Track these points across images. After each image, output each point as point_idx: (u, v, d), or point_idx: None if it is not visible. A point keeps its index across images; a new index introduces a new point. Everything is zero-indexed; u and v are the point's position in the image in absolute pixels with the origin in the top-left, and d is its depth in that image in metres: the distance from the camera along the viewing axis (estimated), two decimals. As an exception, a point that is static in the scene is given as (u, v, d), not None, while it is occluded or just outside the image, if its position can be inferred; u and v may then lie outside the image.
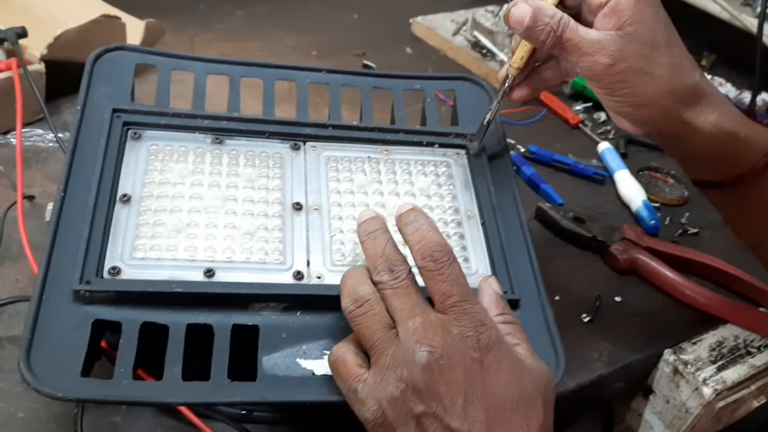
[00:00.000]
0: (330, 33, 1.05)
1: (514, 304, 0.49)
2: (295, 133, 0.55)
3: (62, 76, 0.70)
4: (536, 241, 0.53)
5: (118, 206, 0.47)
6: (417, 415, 0.37)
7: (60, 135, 0.67)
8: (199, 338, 0.43)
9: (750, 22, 0.96)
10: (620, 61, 0.45)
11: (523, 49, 0.50)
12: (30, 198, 0.63)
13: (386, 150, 0.56)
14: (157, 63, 0.56)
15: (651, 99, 0.46)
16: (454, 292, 0.39)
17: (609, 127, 0.91)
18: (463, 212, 0.53)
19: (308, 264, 0.47)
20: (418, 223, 0.41)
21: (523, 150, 0.83)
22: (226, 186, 0.50)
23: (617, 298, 0.66)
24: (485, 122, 0.55)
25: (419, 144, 0.57)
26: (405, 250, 0.41)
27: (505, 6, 0.48)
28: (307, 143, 0.55)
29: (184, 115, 0.53)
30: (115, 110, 0.51)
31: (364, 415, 0.39)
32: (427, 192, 0.54)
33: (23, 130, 0.70)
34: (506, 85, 0.52)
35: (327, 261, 0.48)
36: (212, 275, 0.45)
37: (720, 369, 0.60)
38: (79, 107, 0.51)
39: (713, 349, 0.62)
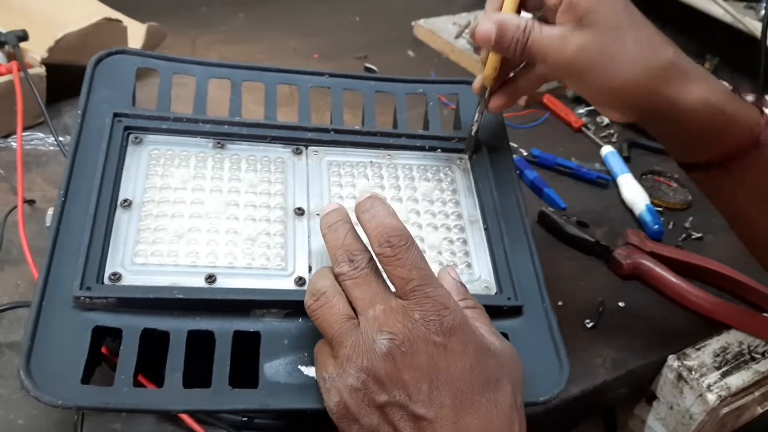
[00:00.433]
0: (332, 36, 1.05)
1: (517, 311, 0.49)
2: (297, 138, 0.54)
3: (63, 80, 0.70)
4: (539, 245, 0.53)
5: (119, 211, 0.47)
6: (380, 405, 0.37)
7: (61, 138, 0.67)
8: (201, 345, 0.43)
9: (753, 26, 0.95)
10: (583, 50, 0.46)
11: (494, 59, 0.51)
12: (30, 202, 0.63)
13: (389, 155, 0.56)
14: (158, 67, 0.56)
15: (626, 81, 0.46)
16: (413, 276, 0.38)
17: (612, 131, 0.91)
18: (466, 218, 0.53)
19: (310, 270, 0.47)
20: (374, 210, 0.40)
21: (525, 154, 0.83)
22: (227, 191, 0.50)
23: (621, 304, 0.66)
24: (472, 133, 0.56)
25: (422, 149, 0.57)
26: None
27: (471, 25, 0.49)
28: (309, 148, 0.54)
29: (186, 119, 0.53)
30: (116, 114, 0.51)
31: (329, 406, 0.39)
32: (429, 197, 0.54)
33: (24, 134, 0.70)
34: (485, 95, 0.54)
35: (329, 267, 0.47)
36: (214, 281, 0.45)
37: (724, 375, 0.60)
38: (79, 111, 0.51)
39: (717, 355, 0.62)
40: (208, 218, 0.48)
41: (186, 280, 0.45)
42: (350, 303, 0.39)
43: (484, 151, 0.57)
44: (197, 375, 0.42)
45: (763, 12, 0.95)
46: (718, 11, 1.00)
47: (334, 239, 0.41)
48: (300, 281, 0.46)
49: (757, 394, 0.62)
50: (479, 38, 0.49)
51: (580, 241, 0.70)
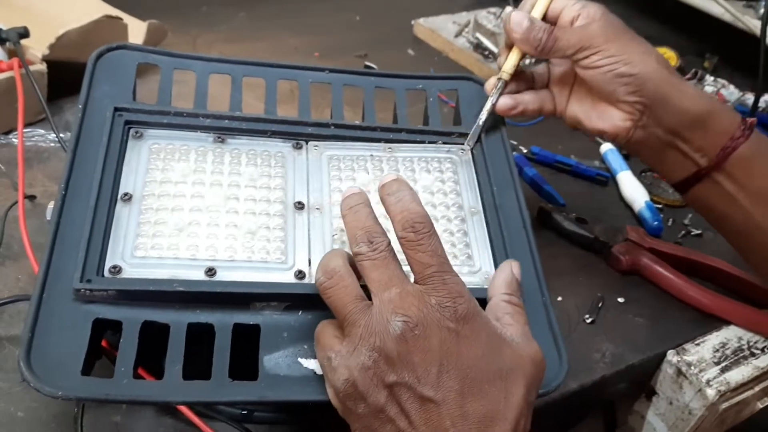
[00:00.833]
0: (332, 34, 1.05)
1: (516, 304, 0.49)
2: (297, 133, 0.55)
3: (64, 77, 0.70)
4: (538, 241, 0.53)
5: (119, 205, 0.47)
6: (389, 385, 0.37)
7: (62, 135, 0.67)
8: (200, 337, 0.43)
9: (753, 24, 0.95)
10: (607, 26, 0.54)
11: (515, 55, 0.57)
12: (31, 198, 0.63)
13: (389, 148, 0.56)
14: (159, 62, 0.56)
15: (641, 55, 0.54)
16: (433, 262, 0.39)
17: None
18: (467, 209, 0.53)
19: (310, 263, 0.47)
20: (400, 193, 0.41)
21: (525, 151, 0.83)
22: (227, 185, 0.50)
23: (620, 299, 0.66)
24: (480, 123, 0.57)
25: (422, 142, 0.57)
26: (387, 224, 0.41)
27: (506, 10, 0.52)
28: (309, 142, 0.55)
29: (186, 114, 0.53)
30: (116, 109, 0.51)
31: (335, 384, 0.39)
32: (430, 189, 0.54)
33: (25, 130, 0.70)
34: (499, 86, 0.58)
35: (329, 260, 0.47)
36: (213, 274, 0.45)
37: (723, 370, 0.60)
38: (80, 106, 0.51)
39: (717, 351, 0.62)
40: (209, 212, 0.48)
41: (186, 273, 0.45)
42: (361, 287, 0.40)
43: (484, 148, 0.57)
44: (197, 368, 0.42)
45: (762, 11, 0.95)
46: (717, 10, 1.00)
47: (355, 220, 0.41)
48: (300, 275, 0.46)
49: (756, 389, 0.62)
50: (513, 23, 0.55)
51: (580, 238, 0.70)
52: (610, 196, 0.79)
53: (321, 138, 0.55)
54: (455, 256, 0.50)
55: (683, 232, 0.75)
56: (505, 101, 0.58)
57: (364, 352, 0.37)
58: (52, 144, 0.71)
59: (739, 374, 0.60)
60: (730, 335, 0.64)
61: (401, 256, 0.40)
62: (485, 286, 0.49)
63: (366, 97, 0.59)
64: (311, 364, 0.43)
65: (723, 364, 0.61)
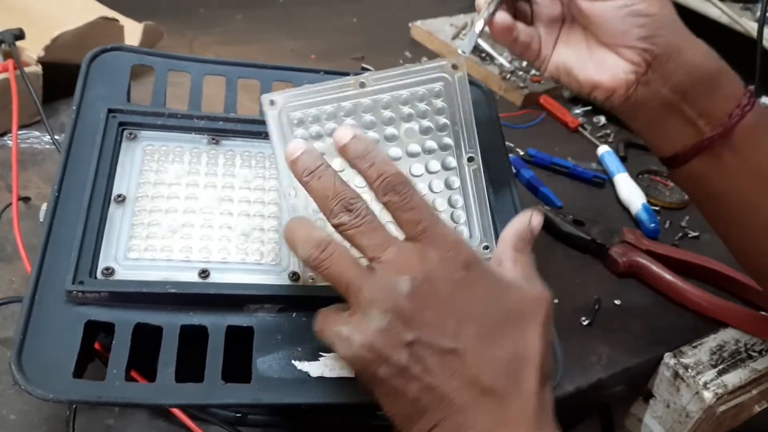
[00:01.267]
0: (329, 37, 1.05)
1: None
2: (292, 134, 0.54)
3: (59, 78, 0.70)
4: (535, 243, 0.52)
5: (112, 206, 0.47)
6: (408, 343, 0.36)
7: (57, 137, 0.67)
8: (194, 339, 0.43)
9: (750, 26, 0.95)
10: None
11: None
12: (25, 200, 0.63)
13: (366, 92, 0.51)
14: (153, 63, 0.56)
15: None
16: (423, 216, 0.38)
17: (609, 131, 0.91)
18: (463, 151, 0.50)
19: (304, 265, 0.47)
20: (371, 155, 0.38)
21: (522, 153, 0.83)
22: (221, 186, 0.50)
23: (617, 302, 0.65)
24: (477, 30, 0.49)
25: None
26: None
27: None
28: (304, 144, 0.54)
29: (180, 115, 0.53)
30: (110, 110, 0.51)
31: (353, 353, 0.36)
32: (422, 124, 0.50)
33: (20, 132, 0.70)
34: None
35: (323, 262, 0.47)
36: (207, 276, 0.45)
37: (721, 373, 0.60)
38: (74, 107, 0.51)
39: (714, 353, 0.62)
40: (202, 213, 0.48)
41: (179, 275, 0.45)
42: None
43: (480, 149, 0.57)
44: (190, 370, 0.41)
45: (759, 13, 0.95)
46: (714, 12, 1.00)
47: (322, 188, 0.38)
48: (294, 276, 0.46)
49: (754, 392, 0.61)
50: None
51: (576, 240, 0.70)
52: (607, 199, 0.79)
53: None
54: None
55: (680, 234, 0.75)
56: (503, 16, 0.49)
57: (376, 315, 0.36)
58: (47, 146, 0.70)
59: (736, 377, 0.60)
60: (728, 338, 0.63)
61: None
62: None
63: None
64: (305, 366, 0.43)
65: (720, 367, 0.60)
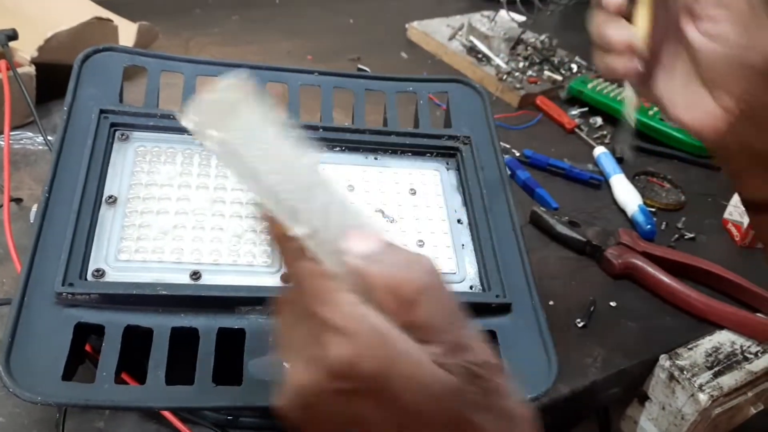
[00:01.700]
0: (325, 38, 1.05)
1: (505, 308, 0.48)
2: (285, 135, 0.54)
3: (53, 79, 0.70)
4: (531, 245, 0.52)
5: (103, 208, 0.47)
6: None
7: (50, 138, 0.66)
8: (184, 342, 0.42)
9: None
10: None
11: (644, 7, 0.43)
12: (18, 201, 0.62)
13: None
14: (146, 64, 0.56)
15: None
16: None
17: (605, 132, 0.91)
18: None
19: (296, 267, 0.46)
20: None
21: (518, 154, 0.83)
22: (214, 188, 0.50)
23: (612, 303, 0.65)
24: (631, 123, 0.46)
25: (411, 147, 0.56)
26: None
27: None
28: (298, 145, 0.54)
29: (173, 116, 0.52)
30: (102, 111, 0.51)
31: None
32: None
33: (13, 133, 0.69)
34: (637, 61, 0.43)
35: (316, 264, 0.47)
36: (198, 278, 0.45)
37: (716, 375, 0.60)
38: (66, 108, 0.51)
39: (709, 355, 0.61)
40: (194, 215, 0.48)
41: (170, 276, 0.44)
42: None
43: (473, 150, 0.57)
44: (181, 372, 0.41)
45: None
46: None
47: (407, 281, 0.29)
48: (286, 278, 0.46)
49: (750, 394, 0.61)
50: None
51: (572, 241, 0.70)
52: (603, 200, 0.79)
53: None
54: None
55: (676, 235, 0.75)
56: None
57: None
58: (40, 147, 0.70)
59: (732, 379, 0.59)
60: (723, 339, 0.63)
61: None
62: (470, 292, 0.48)
63: (356, 99, 0.59)
64: (297, 369, 0.43)
65: (716, 369, 0.60)
